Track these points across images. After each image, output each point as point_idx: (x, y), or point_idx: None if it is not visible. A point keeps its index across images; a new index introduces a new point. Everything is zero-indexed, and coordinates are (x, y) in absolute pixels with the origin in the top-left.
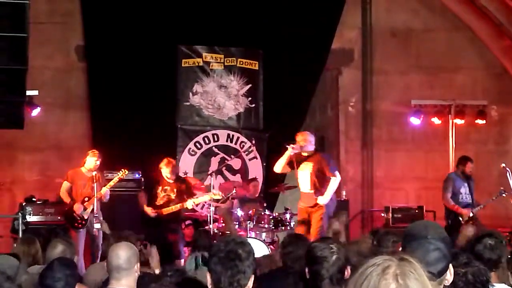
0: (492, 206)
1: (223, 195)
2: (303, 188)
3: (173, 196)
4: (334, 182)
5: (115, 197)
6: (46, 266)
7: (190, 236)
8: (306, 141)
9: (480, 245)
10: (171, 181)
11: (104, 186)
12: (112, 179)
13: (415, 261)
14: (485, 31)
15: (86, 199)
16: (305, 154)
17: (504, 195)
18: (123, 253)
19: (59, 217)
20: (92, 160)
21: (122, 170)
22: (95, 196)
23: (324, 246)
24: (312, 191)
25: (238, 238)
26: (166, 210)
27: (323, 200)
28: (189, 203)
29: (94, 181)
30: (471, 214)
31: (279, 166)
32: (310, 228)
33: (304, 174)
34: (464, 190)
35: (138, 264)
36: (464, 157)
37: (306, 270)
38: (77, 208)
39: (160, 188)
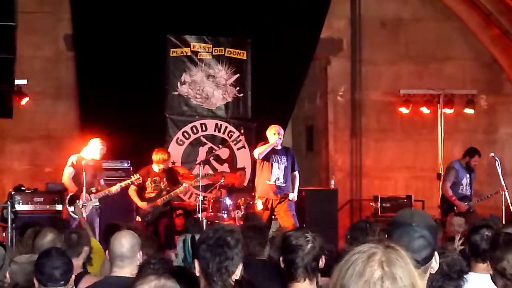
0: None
1: (210, 173)
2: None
3: (162, 185)
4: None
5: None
6: (44, 254)
7: (181, 225)
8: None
9: (477, 236)
10: (159, 171)
11: (101, 174)
12: (110, 168)
13: (401, 249)
14: (475, 20)
15: (93, 189)
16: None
17: (501, 193)
18: (126, 242)
19: (47, 206)
20: (98, 148)
21: (135, 175)
22: (87, 186)
23: (299, 235)
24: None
25: (227, 226)
26: (160, 200)
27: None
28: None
29: (83, 169)
30: (467, 207)
31: (262, 155)
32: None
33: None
34: (465, 181)
35: (141, 252)
36: (473, 149)
37: (281, 259)
38: (84, 197)
39: (149, 180)
